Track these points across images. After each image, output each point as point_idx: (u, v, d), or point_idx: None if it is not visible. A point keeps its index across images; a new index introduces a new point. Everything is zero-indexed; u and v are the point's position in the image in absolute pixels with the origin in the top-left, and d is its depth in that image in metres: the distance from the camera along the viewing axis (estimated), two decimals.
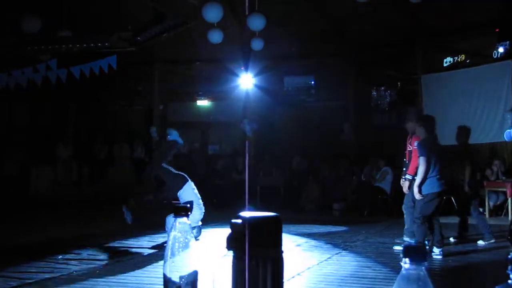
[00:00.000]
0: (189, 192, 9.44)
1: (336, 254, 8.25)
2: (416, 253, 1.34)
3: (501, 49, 14.47)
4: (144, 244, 9.16)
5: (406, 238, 8.52)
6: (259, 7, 12.73)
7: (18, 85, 14.20)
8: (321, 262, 7.50)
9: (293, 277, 6.34)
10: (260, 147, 18.45)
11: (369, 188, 14.77)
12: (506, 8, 13.98)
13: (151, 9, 14.29)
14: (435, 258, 7.82)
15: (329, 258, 7.88)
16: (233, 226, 1.70)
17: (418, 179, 7.98)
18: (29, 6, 12.57)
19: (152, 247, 8.79)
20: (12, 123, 19.36)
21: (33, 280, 6.19)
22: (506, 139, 14.25)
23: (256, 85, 17.46)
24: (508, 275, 1.25)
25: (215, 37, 12.90)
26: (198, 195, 9.53)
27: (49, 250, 8.19)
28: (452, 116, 15.61)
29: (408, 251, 1.34)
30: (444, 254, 8.03)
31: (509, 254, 1.26)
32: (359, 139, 18.23)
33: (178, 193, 9.40)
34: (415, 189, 7.99)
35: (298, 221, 11.95)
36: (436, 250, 7.97)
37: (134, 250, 8.55)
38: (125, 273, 6.75)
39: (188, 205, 1.90)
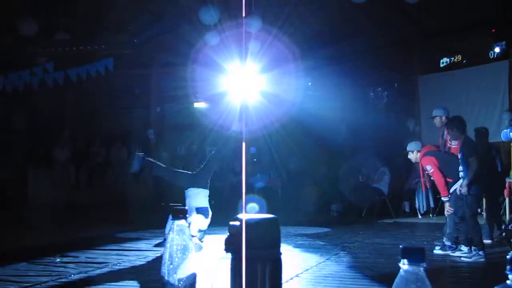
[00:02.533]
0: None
1: (335, 255, 8.24)
2: (415, 254, 1.34)
3: (497, 49, 14.50)
4: (142, 246, 9.15)
5: (447, 242, 8.44)
6: (255, 8, 12.73)
7: (15, 88, 14.20)
8: (319, 263, 7.49)
9: (291, 278, 6.34)
10: (257, 149, 18.43)
11: (367, 189, 14.78)
12: (502, 9, 14.01)
13: (148, 12, 14.30)
14: (438, 258, 7.82)
15: (328, 259, 7.87)
16: (231, 229, 1.70)
17: (467, 179, 7.95)
18: (26, 9, 12.56)
19: (151, 250, 8.78)
20: (9, 126, 19.32)
21: (31, 284, 6.17)
22: (503, 139, 14.27)
23: (253, 87, 17.44)
24: (507, 275, 1.25)
25: (212, 39, 12.91)
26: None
27: (47, 253, 8.18)
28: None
29: (406, 252, 1.34)
30: (443, 255, 8.09)
31: (508, 255, 1.26)
32: (357, 140, 18.23)
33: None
34: (464, 188, 7.96)
35: (296, 223, 11.96)
36: (464, 248, 7.97)
37: (132, 252, 8.53)
38: (123, 276, 6.74)
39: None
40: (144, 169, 9.90)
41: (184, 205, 7.63)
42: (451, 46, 16.20)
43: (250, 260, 1.63)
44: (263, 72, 17.51)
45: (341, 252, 8.55)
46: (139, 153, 9.86)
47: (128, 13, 14.89)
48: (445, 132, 8.82)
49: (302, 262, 7.47)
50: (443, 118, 9.07)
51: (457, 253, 7.97)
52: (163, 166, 9.85)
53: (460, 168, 8.09)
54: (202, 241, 8.98)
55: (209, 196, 9.67)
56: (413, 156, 8.79)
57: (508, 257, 1.25)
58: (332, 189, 15.88)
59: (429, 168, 8.44)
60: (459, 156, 8.15)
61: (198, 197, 9.33)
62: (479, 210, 13.59)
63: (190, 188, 9.41)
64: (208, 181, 9.67)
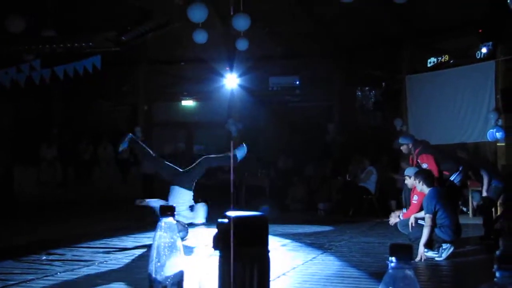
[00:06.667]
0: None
1: (321, 253, 8.26)
2: (403, 252, 1.35)
3: (484, 50, 14.56)
4: (129, 244, 9.12)
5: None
6: (243, 7, 12.73)
7: (1, 86, 14.10)
8: (306, 262, 7.50)
9: (278, 277, 6.34)
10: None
11: (354, 188, 14.81)
12: (489, 9, 14.07)
13: (136, 9, 14.24)
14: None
15: (314, 258, 7.89)
16: (220, 226, 1.69)
17: None
18: (12, 5, 12.48)
19: (137, 247, 8.76)
20: None
21: (16, 282, 6.14)
22: (490, 139, 14.37)
23: (241, 85, 17.48)
24: (494, 273, 1.25)
25: (200, 37, 12.90)
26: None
27: (33, 251, 8.14)
28: (436, 116, 15.72)
29: (395, 250, 1.34)
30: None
31: (495, 253, 1.26)
32: (344, 139, 18.28)
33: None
34: None
35: (283, 221, 11.96)
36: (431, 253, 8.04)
37: (119, 250, 8.51)
38: (109, 274, 6.72)
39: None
40: (132, 151, 9.86)
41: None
42: (439, 46, 16.26)
43: (238, 258, 1.62)
44: (251, 70, 17.54)
45: (328, 251, 8.57)
46: (129, 136, 9.80)
47: (116, 10, 14.84)
48: (415, 156, 9.74)
49: (289, 261, 7.48)
50: (410, 145, 9.99)
51: (430, 254, 7.96)
52: (151, 153, 9.80)
53: None
54: (185, 239, 8.98)
55: (195, 195, 9.67)
56: (410, 181, 8.90)
57: (496, 255, 1.25)
58: (320, 188, 15.90)
59: (426, 166, 9.19)
60: None
61: (180, 196, 9.34)
62: (464, 209, 13.74)
63: (174, 186, 9.43)
64: (193, 182, 9.63)
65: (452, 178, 9.69)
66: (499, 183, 9.95)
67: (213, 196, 11.51)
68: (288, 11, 15.93)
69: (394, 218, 8.98)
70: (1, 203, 15.90)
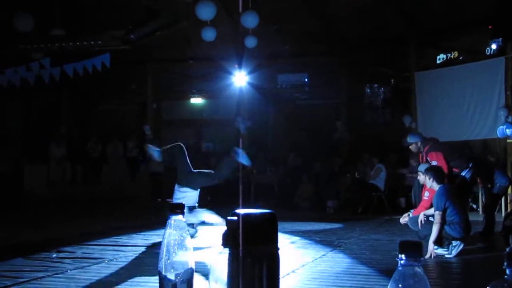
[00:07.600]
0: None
1: (331, 251, 8.25)
2: (412, 249, 1.35)
3: (494, 46, 14.49)
4: (138, 242, 9.15)
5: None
6: (252, 5, 12.73)
7: (11, 84, 14.17)
8: (315, 259, 7.49)
9: (288, 274, 6.34)
10: (254, 145, 18.45)
11: (363, 185, 14.79)
12: (499, 5, 14.01)
13: (144, 8, 14.27)
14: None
15: (324, 255, 7.88)
16: (229, 223, 1.69)
17: None
18: (21, 4, 12.53)
19: (147, 245, 8.78)
20: (5, 121, 19.31)
21: (27, 279, 6.17)
22: (499, 136, 14.32)
23: (249, 83, 17.47)
24: (505, 270, 1.25)
25: (209, 35, 12.91)
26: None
27: (43, 249, 8.17)
28: (445, 113, 15.66)
29: (405, 247, 1.34)
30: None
31: (505, 250, 1.26)
32: (353, 136, 18.25)
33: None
34: None
35: (292, 219, 11.95)
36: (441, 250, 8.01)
37: (128, 248, 8.53)
38: (119, 271, 6.73)
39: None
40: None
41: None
42: (448, 43, 16.21)
43: (247, 255, 1.62)
44: (259, 68, 17.54)
45: (337, 248, 8.55)
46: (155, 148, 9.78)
47: (124, 8, 14.86)
48: (424, 154, 9.69)
49: (298, 258, 7.48)
50: (418, 143, 9.93)
51: (439, 251, 7.93)
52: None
53: None
54: (194, 237, 8.98)
55: (205, 192, 9.66)
56: (422, 178, 8.87)
57: (506, 252, 1.25)
58: (328, 185, 15.89)
59: (435, 163, 9.09)
60: None
61: (188, 195, 9.32)
62: (474, 206, 13.70)
63: (182, 186, 9.40)
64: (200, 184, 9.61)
65: (462, 176, 9.66)
66: (505, 181, 9.91)
67: (221, 194, 11.52)
68: (296, 9, 15.91)
69: (404, 218, 8.93)
70: (11, 201, 15.97)
